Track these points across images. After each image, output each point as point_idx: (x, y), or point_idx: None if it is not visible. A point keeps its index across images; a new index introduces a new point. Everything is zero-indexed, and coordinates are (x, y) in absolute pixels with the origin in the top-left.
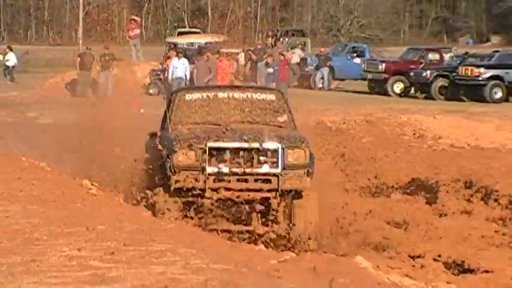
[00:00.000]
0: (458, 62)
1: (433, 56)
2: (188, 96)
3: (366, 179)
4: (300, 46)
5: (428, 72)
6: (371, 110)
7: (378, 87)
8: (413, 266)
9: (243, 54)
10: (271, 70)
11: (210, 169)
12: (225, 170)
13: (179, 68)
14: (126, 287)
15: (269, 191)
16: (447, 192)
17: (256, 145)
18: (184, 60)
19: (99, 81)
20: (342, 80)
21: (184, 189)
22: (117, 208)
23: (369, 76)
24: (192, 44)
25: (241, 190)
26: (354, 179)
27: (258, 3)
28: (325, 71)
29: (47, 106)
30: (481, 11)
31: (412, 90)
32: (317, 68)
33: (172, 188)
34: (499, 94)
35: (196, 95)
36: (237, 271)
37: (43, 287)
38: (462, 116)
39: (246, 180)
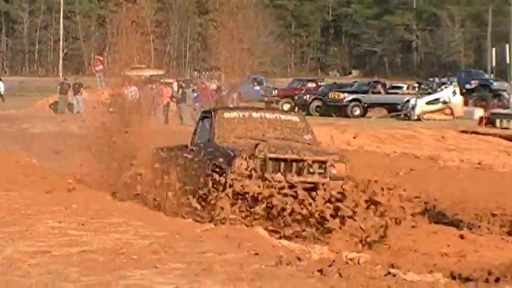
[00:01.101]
0: (329, 89)
1: (311, 85)
2: (227, 115)
3: None
4: (216, 77)
5: (308, 96)
6: None
7: (271, 105)
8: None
9: (175, 83)
10: (195, 94)
11: (269, 176)
12: (282, 178)
13: (131, 93)
14: (93, 249)
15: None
16: None
17: (310, 158)
18: (135, 88)
19: (73, 102)
20: (247, 101)
21: (242, 193)
22: (86, 193)
23: (266, 99)
24: (140, 76)
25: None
26: None
27: (187, 47)
28: (235, 95)
29: (36, 120)
30: (345, 53)
31: (296, 109)
32: (230, 92)
33: (233, 192)
34: (357, 111)
35: (234, 114)
36: (172, 237)
37: (34, 248)
38: (332, 128)
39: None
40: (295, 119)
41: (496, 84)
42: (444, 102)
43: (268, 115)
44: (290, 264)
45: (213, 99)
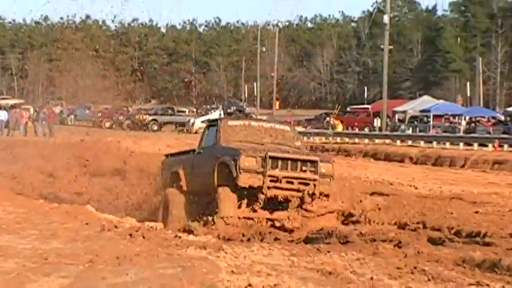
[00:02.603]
0: (136, 112)
1: (124, 109)
2: (230, 123)
3: None
4: (59, 104)
5: (122, 117)
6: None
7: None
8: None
9: (32, 108)
10: (44, 116)
11: (269, 172)
12: (280, 173)
13: (1, 114)
14: None
15: (305, 191)
16: None
17: (304, 157)
18: (4, 111)
19: None
20: (80, 121)
21: (247, 186)
22: None
23: (93, 119)
24: (7, 103)
25: (287, 189)
26: None
27: (39, 84)
28: (72, 116)
29: None
30: (147, 87)
31: (114, 125)
32: (69, 114)
33: (238, 185)
34: (155, 127)
35: (236, 123)
36: (29, 212)
37: None
38: (136, 138)
39: (292, 182)
40: (287, 128)
41: (247, 109)
42: None
43: (265, 125)
44: (110, 230)
45: (57, 119)
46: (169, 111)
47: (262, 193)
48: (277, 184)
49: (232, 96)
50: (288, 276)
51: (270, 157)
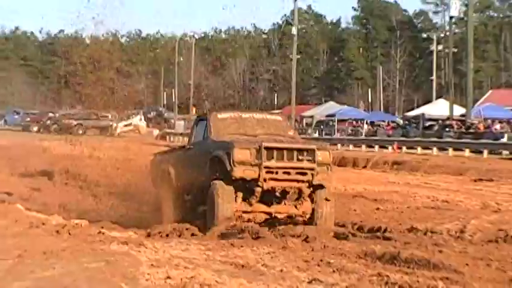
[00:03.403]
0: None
1: (51, 114)
2: (220, 116)
3: None
4: None
5: (49, 121)
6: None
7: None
8: None
9: None
10: None
11: (265, 163)
12: (276, 164)
13: None
14: None
15: (303, 182)
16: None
17: (300, 146)
18: None
19: None
20: (10, 125)
21: (242, 179)
22: None
23: (22, 123)
24: None
25: (284, 180)
26: None
27: None
28: (1, 121)
29: None
30: (73, 95)
31: (41, 129)
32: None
33: (232, 178)
34: (80, 131)
35: (226, 115)
36: None
37: None
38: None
39: (289, 173)
40: (279, 118)
41: (166, 114)
42: (135, 125)
43: (256, 115)
44: (38, 227)
45: None
46: (93, 116)
47: (258, 186)
48: (274, 175)
49: (152, 102)
50: (203, 269)
51: (265, 148)
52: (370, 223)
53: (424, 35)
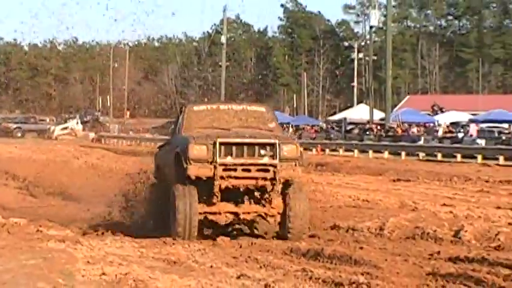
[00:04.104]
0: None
1: None
2: (196, 108)
3: None
4: None
5: None
6: None
7: None
8: None
9: None
10: None
11: (220, 160)
12: (232, 161)
13: None
14: None
15: (266, 179)
16: None
17: (259, 140)
18: None
19: None
20: None
21: (197, 177)
22: None
23: None
24: None
25: (244, 178)
26: None
27: None
28: None
29: None
30: (11, 100)
31: None
32: None
33: (186, 177)
34: (19, 134)
35: (202, 107)
36: None
37: None
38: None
39: (249, 170)
40: (261, 109)
41: (101, 118)
42: (71, 129)
43: (235, 107)
44: None
45: None
46: (32, 120)
47: (215, 184)
48: (232, 173)
49: (89, 106)
50: (137, 265)
51: (221, 143)
52: None
53: (346, 44)
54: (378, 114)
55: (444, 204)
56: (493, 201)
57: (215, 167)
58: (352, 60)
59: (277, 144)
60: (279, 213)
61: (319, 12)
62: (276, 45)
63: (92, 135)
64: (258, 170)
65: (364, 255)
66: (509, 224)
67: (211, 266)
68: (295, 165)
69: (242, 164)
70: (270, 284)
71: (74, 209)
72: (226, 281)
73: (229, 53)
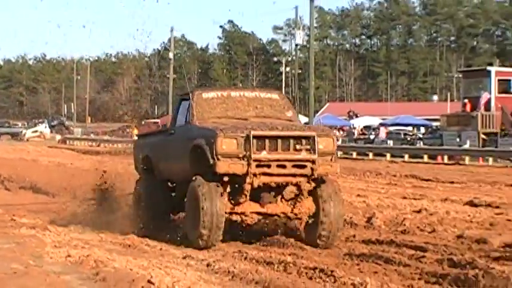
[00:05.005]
0: None
1: None
2: (205, 95)
3: None
4: None
5: None
6: None
7: None
8: None
9: None
10: None
11: (254, 156)
12: (268, 156)
13: None
14: None
15: (302, 176)
16: None
17: (297, 133)
18: None
19: None
20: None
21: (226, 174)
22: None
23: None
24: None
25: (279, 175)
26: None
27: None
28: None
29: None
30: None
31: None
32: None
33: (216, 174)
34: None
35: (212, 94)
36: None
37: None
38: None
39: (284, 166)
40: (275, 96)
41: (67, 123)
42: (41, 132)
43: (247, 94)
44: None
45: None
46: (6, 124)
47: (247, 182)
48: (266, 170)
49: (55, 112)
50: (97, 248)
51: (254, 137)
52: None
53: (275, 59)
54: (303, 119)
55: (358, 195)
56: (400, 192)
57: (249, 163)
58: (281, 73)
59: (315, 137)
60: (308, 215)
61: (252, 32)
62: (216, 61)
63: (58, 137)
64: (294, 166)
65: (291, 239)
66: (413, 211)
67: (160, 249)
68: (332, 160)
69: (278, 160)
70: (211, 263)
71: (43, 201)
72: (174, 261)
73: (176, 67)
